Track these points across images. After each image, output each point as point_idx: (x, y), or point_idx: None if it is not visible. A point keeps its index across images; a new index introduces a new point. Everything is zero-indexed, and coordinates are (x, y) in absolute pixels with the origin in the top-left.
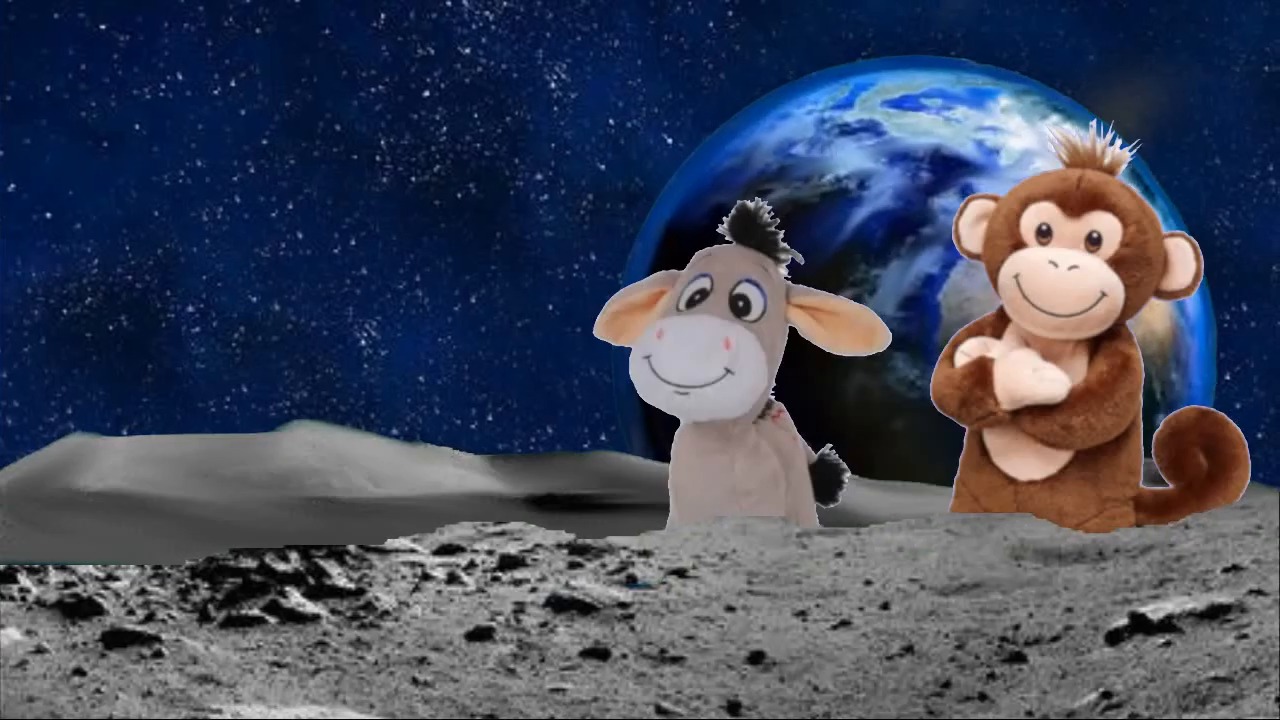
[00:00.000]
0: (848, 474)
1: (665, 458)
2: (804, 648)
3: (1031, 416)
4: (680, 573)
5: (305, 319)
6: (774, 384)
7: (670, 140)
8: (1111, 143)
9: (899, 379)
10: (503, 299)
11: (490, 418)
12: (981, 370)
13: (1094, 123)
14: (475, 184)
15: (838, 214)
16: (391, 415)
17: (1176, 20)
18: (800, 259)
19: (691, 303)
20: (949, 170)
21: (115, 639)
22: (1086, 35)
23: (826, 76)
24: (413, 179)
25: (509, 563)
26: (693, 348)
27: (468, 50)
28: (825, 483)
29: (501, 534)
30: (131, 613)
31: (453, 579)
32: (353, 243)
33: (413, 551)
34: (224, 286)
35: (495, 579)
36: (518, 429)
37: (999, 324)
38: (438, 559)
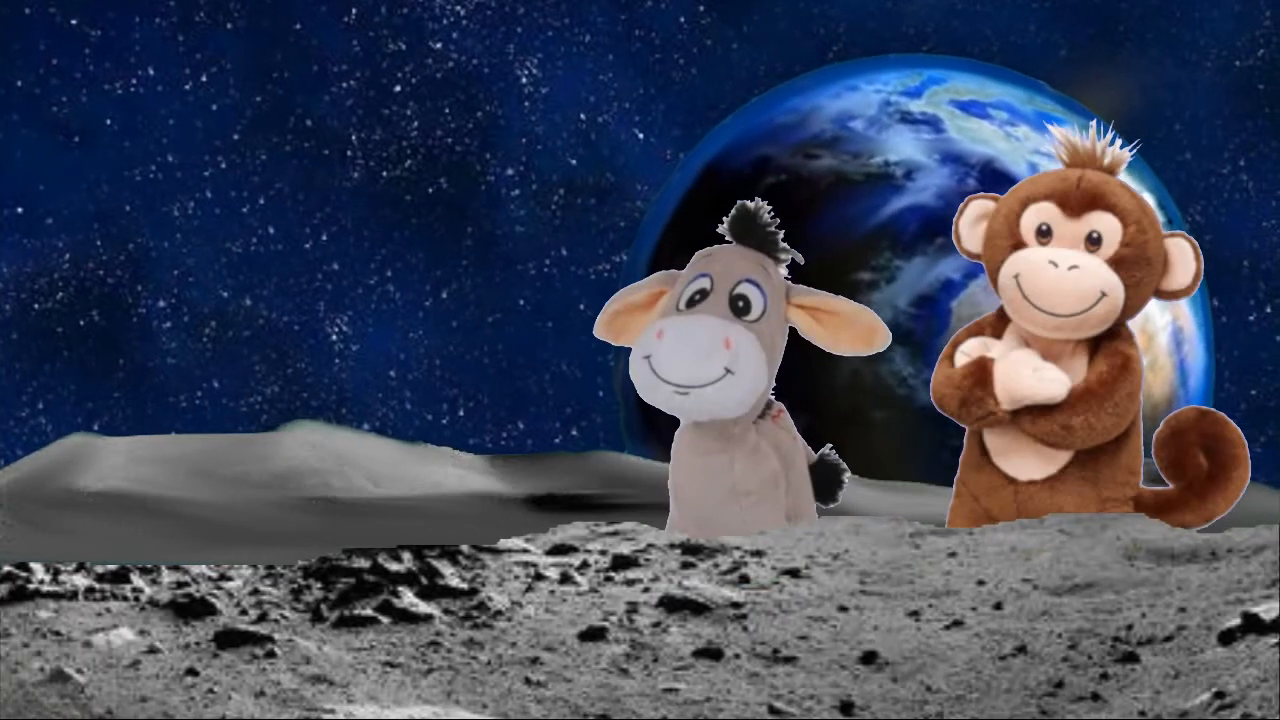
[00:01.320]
0: (848, 474)
1: (664, 457)
2: (917, 648)
3: (1031, 416)
4: (793, 573)
5: (276, 314)
6: (774, 383)
7: (641, 135)
8: (1111, 143)
9: (892, 371)
10: (474, 294)
11: (461, 413)
12: (981, 370)
13: (1094, 123)
14: (446, 179)
15: (877, 197)
16: (362, 410)
17: (1148, 15)
18: (800, 259)
19: (691, 303)
20: (996, 183)
21: (228, 639)
22: (1057, 30)
23: (903, 61)
24: (384, 174)
25: (622, 563)
26: (693, 348)
27: (439, 45)
28: (825, 483)
29: (614, 534)
30: (244, 613)
31: (566, 579)
32: (324, 238)
33: (526, 551)
34: (195, 281)
35: (608, 579)
36: (489, 424)
37: (999, 324)
38: (551, 559)
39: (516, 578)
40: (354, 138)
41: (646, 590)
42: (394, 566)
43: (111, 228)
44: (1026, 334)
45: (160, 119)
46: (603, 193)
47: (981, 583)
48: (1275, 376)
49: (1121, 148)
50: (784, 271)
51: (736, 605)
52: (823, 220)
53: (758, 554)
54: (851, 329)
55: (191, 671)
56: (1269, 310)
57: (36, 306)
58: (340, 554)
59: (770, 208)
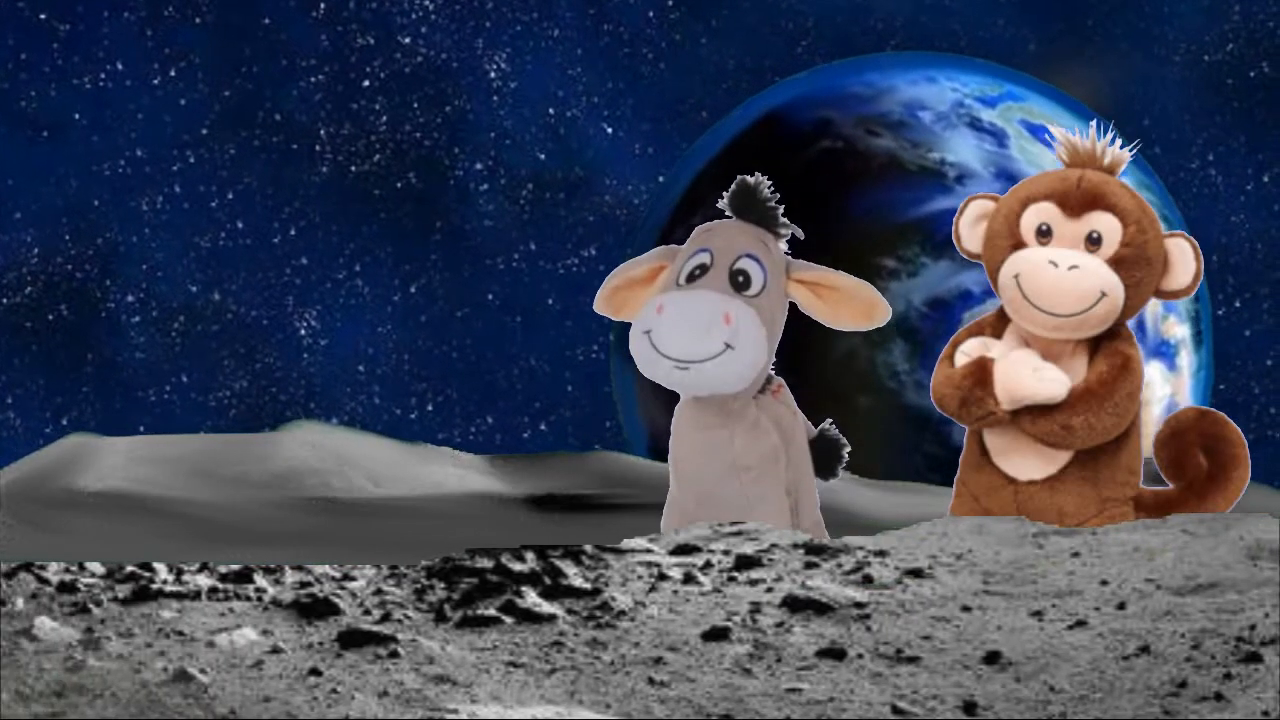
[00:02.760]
0: (848, 449)
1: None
2: (1040, 648)
3: (1031, 416)
4: (916, 572)
5: (245, 308)
6: (774, 358)
7: (610, 130)
8: (1111, 143)
9: (888, 362)
10: (442, 289)
11: (430, 407)
12: (981, 370)
13: (1094, 122)
14: (415, 173)
15: (923, 191)
16: (331, 405)
17: (1116, 9)
18: (800, 233)
19: (691, 278)
20: None
21: (351, 639)
22: (1026, 24)
23: (989, 69)
24: (352, 168)
25: (745, 563)
26: (692, 323)
27: (407, 40)
28: (825, 458)
29: (738, 534)
30: (368, 613)
31: (689, 579)
32: (292, 232)
33: (649, 551)
34: (164, 276)
35: (731, 579)
36: (457, 419)
37: (999, 324)
38: (674, 559)
39: (640, 578)
40: (322, 132)
41: (770, 590)
42: (517, 566)
43: (80, 222)
44: (1026, 334)
45: (129, 113)
46: (571, 187)
47: (1105, 583)
48: (1243, 371)
49: (1122, 148)
50: (784, 246)
51: (860, 605)
52: (865, 197)
53: (881, 554)
54: (852, 304)
55: (315, 671)
56: (1238, 305)
57: (4, 301)
58: (464, 554)
59: (770, 183)
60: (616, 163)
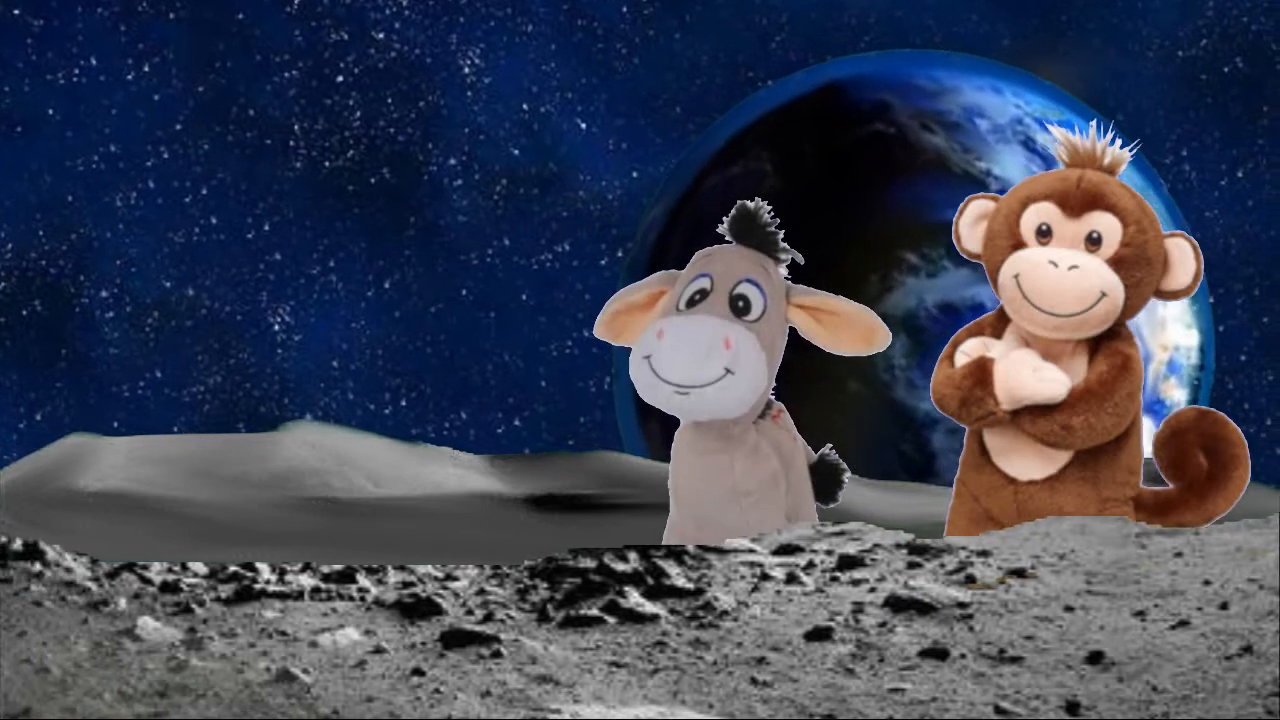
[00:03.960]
0: (848, 474)
1: (665, 454)
2: (1143, 648)
3: (1031, 416)
4: (1019, 573)
5: (219, 304)
6: (774, 384)
7: (584, 125)
8: (1111, 143)
9: (885, 355)
10: (416, 284)
11: (404, 403)
12: (981, 370)
13: (1094, 122)
14: (389, 169)
15: (961, 197)
16: (305, 400)
17: (1090, 4)
18: (800, 259)
19: (691, 303)
20: None
21: (454, 639)
22: (1000, 20)
23: (1058, 95)
24: (326, 164)
25: (848, 563)
26: (693, 348)
27: (381, 35)
28: (825, 483)
29: (840, 534)
30: (470, 613)
31: (792, 579)
32: (266, 228)
33: (752, 551)
34: (138, 271)
35: (834, 579)
36: (431, 414)
37: (999, 324)
38: (777, 559)
39: (742, 578)
40: (296, 128)
41: (872, 590)
42: (620, 566)
43: (54, 218)
44: (1026, 334)
45: (103, 109)
46: (545, 183)
47: (1208, 582)
48: (1218, 367)
49: (1121, 148)
50: (784, 271)
51: (962, 605)
52: (904, 189)
53: (984, 554)
54: (852, 329)
55: (417, 671)
56: (1211, 301)
57: None
58: (566, 554)
59: (770, 208)
60: (590, 158)
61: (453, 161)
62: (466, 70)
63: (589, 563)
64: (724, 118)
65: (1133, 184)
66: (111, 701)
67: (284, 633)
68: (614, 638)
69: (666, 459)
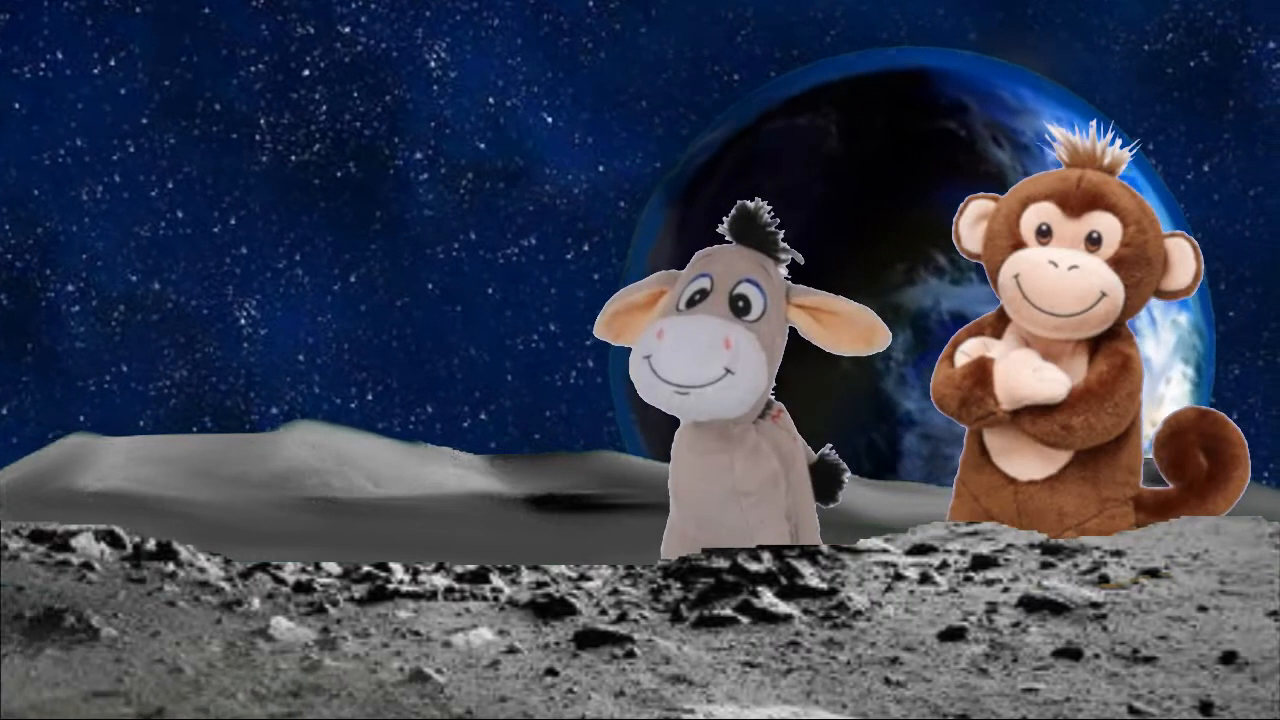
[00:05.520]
0: (848, 474)
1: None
2: (1277, 648)
3: (1031, 416)
4: (1153, 573)
5: (185, 298)
6: (774, 384)
7: (550, 119)
8: (1111, 143)
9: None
10: (382, 278)
11: (370, 396)
12: (981, 370)
13: (1094, 122)
14: (355, 163)
15: None
16: (271, 394)
17: None
18: (800, 259)
19: (691, 303)
20: None
21: (588, 639)
22: (966, 14)
23: (1139, 157)
24: (292, 158)
25: (981, 562)
26: (693, 348)
27: (347, 29)
28: (825, 483)
29: (974, 534)
30: (604, 613)
31: (925, 579)
32: (232, 221)
33: (885, 551)
34: (104, 265)
35: (968, 579)
36: (397, 408)
37: (999, 324)
38: (910, 559)
39: (876, 578)
40: (262, 121)
41: (1006, 590)
42: (753, 566)
43: (20, 211)
44: (1026, 334)
45: (69, 103)
46: (511, 176)
47: None
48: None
49: (1121, 148)
50: (784, 271)
51: (1096, 605)
52: (954, 192)
53: (1117, 554)
54: (852, 329)
55: (551, 671)
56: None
57: None
58: (700, 554)
59: (770, 208)
60: (556, 152)
61: (419, 155)
62: (432, 64)
63: (723, 563)
64: (807, 67)
65: (1132, 184)
66: (245, 701)
67: (417, 633)
68: (747, 638)
69: (664, 458)
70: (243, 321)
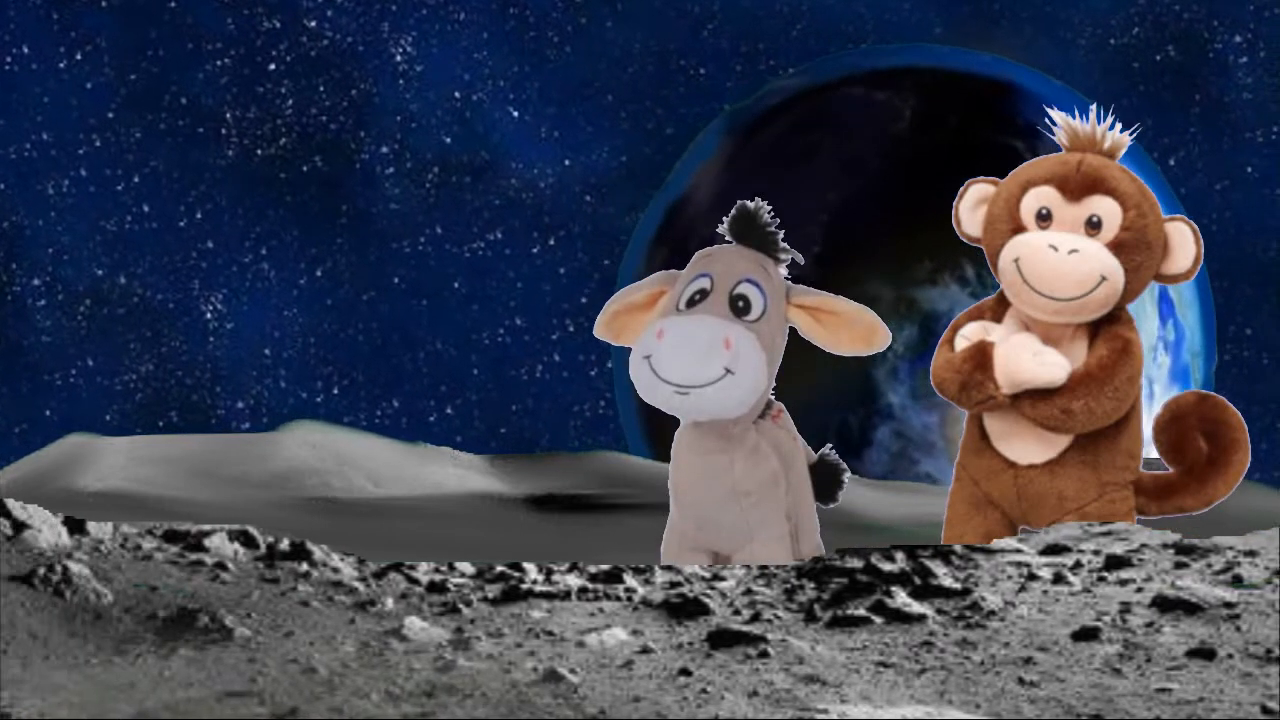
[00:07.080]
0: (848, 474)
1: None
2: None
3: (1031, 400)
4: None
5: (151, 292)
6: (774, 383)
7: (516, 113)
8: (1111, 127)
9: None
10: (348, 272)
11: (336, 391)
12: (981, 354)
13: (1094, 107)
14: (321, 157)
15: None
16: (237, 388)
17: None
18: (800, 259)
19: (691, 303)
20: None
21: (721, 639)
22: (932, 8)
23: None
24: (259, 152)
25: (1115, 563)
26: (693, 348)
27: (313, 23)
28: (825, 483)
29: (1107, 534)
30: (737, 613)
31: (1059, 579)
32: (198, 215)
33: (1019, 551)
34: (70, 259)
35: (1101, 579)
36: (363, 403)
37: (999, 308)
38: (1044, 559)
39: (1009, 578)
40: (228, 115)
41: (1139, 590)
42: (887, 567)
43: None
44: (1026, 318)
45: (34, 97)
46: (477, 171)
47: None
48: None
49: (1121, 132)
50: (784, 271)
51: (1229, 605)
52: None
53: (1251, 554)
54: (852, 329)
55: (685, 671)
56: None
57: None
58: (834, 554)
59: (771, 209)
60: (522, 146)
61: (385, 149)
62: (398, 58)
63: (856, 563)
64: (903, 45)
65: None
66: (378, 702)
67: (551, 633)
68: (881, 638)
69: (663, 458)
70: (209, 315)
